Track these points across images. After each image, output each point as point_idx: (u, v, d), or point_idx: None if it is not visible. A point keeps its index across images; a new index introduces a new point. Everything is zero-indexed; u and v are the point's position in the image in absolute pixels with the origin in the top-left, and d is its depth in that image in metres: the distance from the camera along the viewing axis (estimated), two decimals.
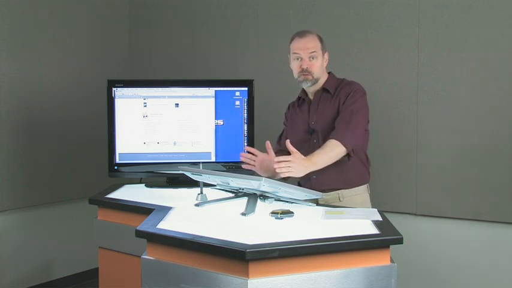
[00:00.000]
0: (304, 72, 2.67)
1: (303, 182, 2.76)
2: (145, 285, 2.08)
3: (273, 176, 2.61)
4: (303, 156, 2.46)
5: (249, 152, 2.71)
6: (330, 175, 2.66)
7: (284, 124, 2.94)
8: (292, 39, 2.73)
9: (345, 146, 2.56)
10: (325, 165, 2.55)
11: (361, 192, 2.74)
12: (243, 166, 2.74)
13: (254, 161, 2.69)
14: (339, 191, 2.70)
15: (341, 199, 2.69)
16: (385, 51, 3.50)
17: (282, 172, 2.42)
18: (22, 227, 3.87)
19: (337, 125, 2.63)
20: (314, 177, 2.69)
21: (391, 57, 3.48)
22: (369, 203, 2.76)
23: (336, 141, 2.56)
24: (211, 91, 3.35)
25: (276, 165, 2.40)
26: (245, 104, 3.34)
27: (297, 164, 2.42)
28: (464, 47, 3.27)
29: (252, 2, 3.99)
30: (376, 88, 3.45)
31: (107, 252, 2.91)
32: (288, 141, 2.48)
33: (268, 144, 2.60)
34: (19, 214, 3.84)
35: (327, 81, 2.76)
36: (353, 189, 2.71)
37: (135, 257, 2.55)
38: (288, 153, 2.48)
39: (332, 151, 2.55)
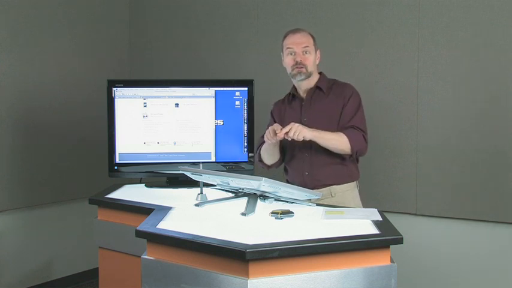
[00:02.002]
0: (298, 65, 2.70)
1: (296, 178, 2.77)
2: (145, 285, 2.08)
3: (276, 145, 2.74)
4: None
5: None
6: (322, 171, 2.71)
7: (273, 121, 2.92)
8: (285, 36, 2.77)
9: (351, 146, 2.64)
10: (322, 144, 2.63)
11: (352, 188, 2.78)
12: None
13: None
14: (331, 187, 2.72)
15: (333, 195, 2.72)
16: (385, 51, 3.50)
17: (296, 136, 2.54)
18: (22, 227, 3.87)
19: (348, 127, 2.67)
20: (306, 173, 2.74)
21: (391, 57, 3.48)
22: (358, 198, 2.79)
23: (346, 138, 2.63)
24: (211, 91, 3.34)
25: (287, 136, 2.56)
26: (245, 104, 3.34)
27: (298, 125, 2.56)
28: (464, 47, 3.27)
29: (252, 2, 3.99)
30: (376, 88, 3.45)
31: (107, 252, 2.91)
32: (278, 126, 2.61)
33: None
34: (19, 214, 3.84)
35: (319, 80, 2.79)
36: (344, 185, 2.74)
37: (135, 257, 2.55)
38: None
39: (337, 140, 2.63)
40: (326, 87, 2.77)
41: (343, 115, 2.71)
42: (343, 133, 2.65)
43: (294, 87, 2.84)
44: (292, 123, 2.58)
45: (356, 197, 2.79)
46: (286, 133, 2.56)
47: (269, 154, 2.83)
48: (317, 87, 2.77)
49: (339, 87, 2.77)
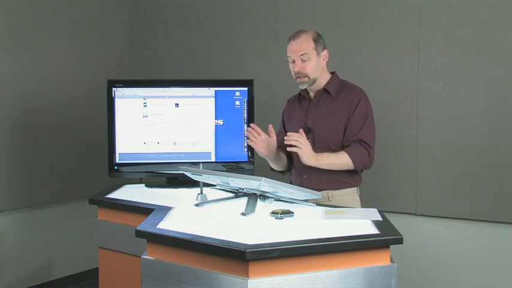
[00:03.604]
0: (298, 74, 2.67)
1: (296, 179, 2.77)
2: (145, 285, 2.08)
3: (272, 156, 2.71)
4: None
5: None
6: (320, 175, 2.67)
7: (282, 122, 2.93)
8: (288, 41, 2.72)
9: (354, 165, 2.64)
10: (328, 168, 2.63)
11: (351, 192, 2.74)
12: (247, 141, 2.73)
13: (256, 138, 2.66)
14: (327, 191, 2.69)
15: (330, 199, 2.69)
16: (385, 51, 3.50)
17: (291, 145, 2.54)
18: (22, 227, 3.87)
19: (355, 140, 2.64)
20: (305, 176, 2.72)
21: (391, 57, 3.48)
22: (358, 203, 2.76)
23: (348, 158, 2.62)
24: (211, 91, 3.35)
25: (286, 138, 2.55)
26: (245, 104, 3.34)
27: (307, 146, 2.56)
28: (464, 47, 3.27)
29: (252, 2, 3.99)
30: (376, 88, 3.45)
31: (107, 252, 2.91)
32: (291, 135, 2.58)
33: (270, 127, 2.66)
34: (19, 214, 3.84)
35: (329, 82, 2.74)
36: (341, 190, 2.71)
37: (135, 257, 2.55)
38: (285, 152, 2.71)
39: (340, 165, 2.64)
40: (335, 90, 2.72)
41: (350, 125, 2.66)
42: (346, 152, 2.62)
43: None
44: (304, 138, 2.56)
45: (354, 202, 2.73)
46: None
47: (272, 162, 2.81)
48: (325, 89, 2.73)
49: (347, 90, 2.72)
